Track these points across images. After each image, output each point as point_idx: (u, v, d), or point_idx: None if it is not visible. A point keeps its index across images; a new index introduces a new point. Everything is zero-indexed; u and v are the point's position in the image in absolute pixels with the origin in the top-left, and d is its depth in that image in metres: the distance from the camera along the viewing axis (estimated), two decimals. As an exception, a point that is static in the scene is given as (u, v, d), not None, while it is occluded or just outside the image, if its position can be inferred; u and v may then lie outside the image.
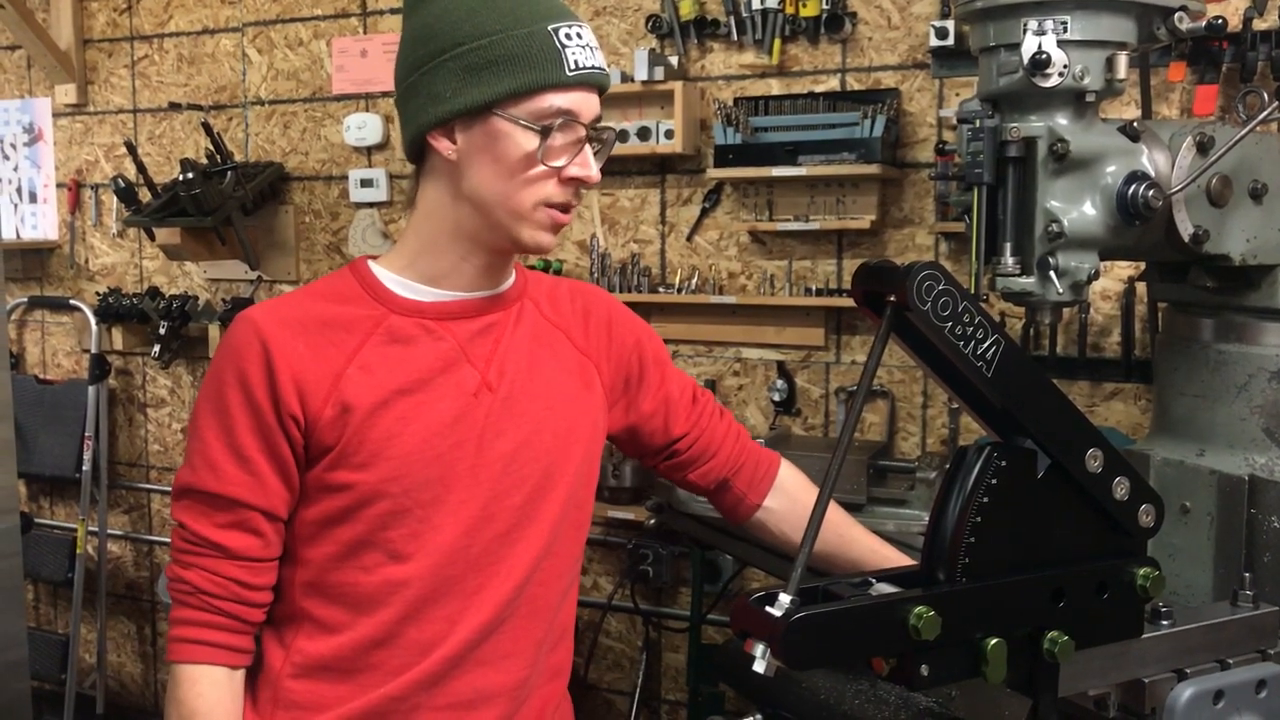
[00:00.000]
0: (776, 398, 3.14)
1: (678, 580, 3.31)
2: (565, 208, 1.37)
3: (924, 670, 1.18)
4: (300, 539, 1.39)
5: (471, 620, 1.39)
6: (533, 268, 3.30)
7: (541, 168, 1.33)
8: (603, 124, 1.42)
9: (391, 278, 1.42)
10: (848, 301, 3.02)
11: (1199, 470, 1.80)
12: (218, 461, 1.34)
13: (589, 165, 1.37)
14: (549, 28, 1.32)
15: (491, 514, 1.40)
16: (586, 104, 1.35)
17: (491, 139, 1.34)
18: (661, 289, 3.27)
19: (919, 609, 1.15)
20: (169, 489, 4.19)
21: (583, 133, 1.35)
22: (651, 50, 3.14)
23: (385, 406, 1.35)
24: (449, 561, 1.38)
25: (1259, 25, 2.51)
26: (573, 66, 1.32)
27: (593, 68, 1.35)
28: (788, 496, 1.68)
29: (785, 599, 1.11)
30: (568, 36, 1.33)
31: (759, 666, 1.11)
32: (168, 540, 4.15)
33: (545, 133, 1.32)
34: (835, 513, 1.64)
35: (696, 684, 3.16)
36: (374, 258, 1.46)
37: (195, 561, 1.35)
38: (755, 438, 2.44)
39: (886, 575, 1.23)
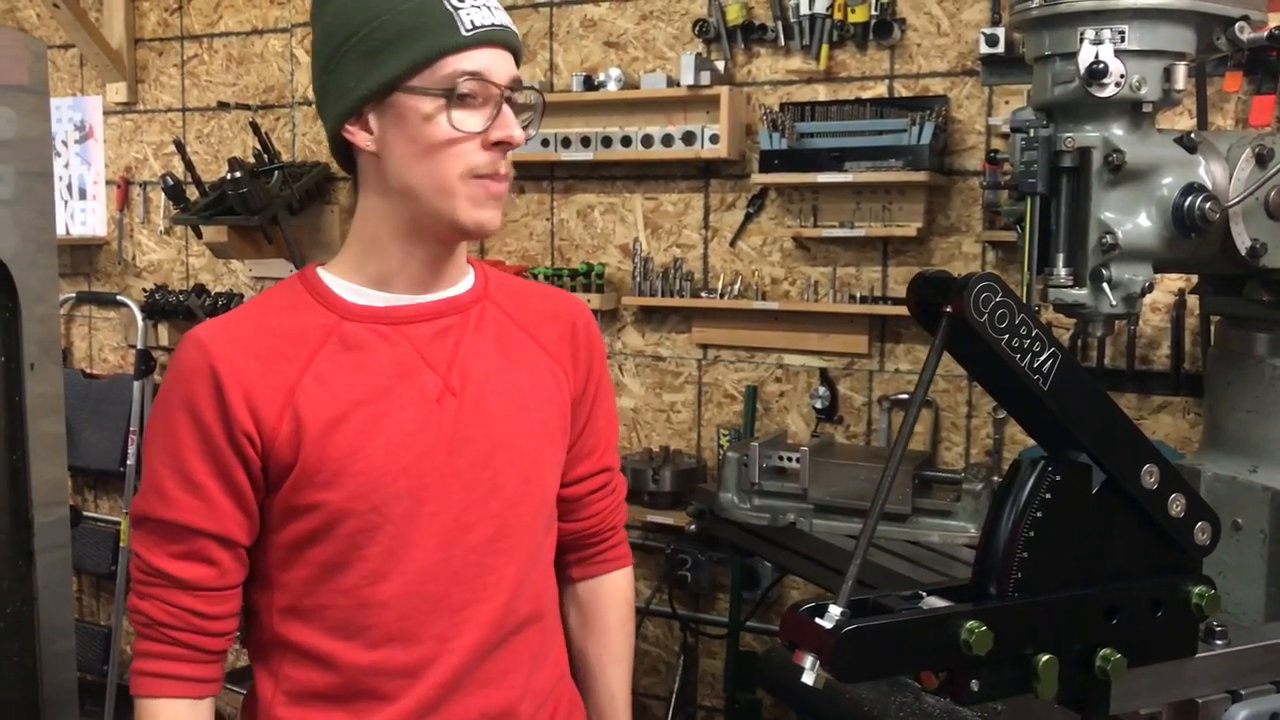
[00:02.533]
0: (818, 405, 3.13)
1: (715, 586, 3.30)
2: (495, 175, 1.30)
3: (974, 685, 1.16)
4: (274, 564, 1.34)
5: (465, 639, 1.34)
6: (575, 272, 3.33)
7: (456, 133, 1.27)
8: (526, 85, 1.35)
9: (340, 283, 1.36)
10: (893, 309, 3.01)
11: (1251, 487, 1.77)
12: (165, 488, 1.28)
13: (509, 125, 1.29)
14: None
15: (468, 524, 1.34)
16: (495, 63, 1.29)
17: (402, 118, 1.29)
18: (704, 294, 3.26)
19: (971, 623, 1.13)
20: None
21: (496, 93, 1.29)
22: (698, 55, 3.13)
23: (344, 420, 1.29)
24: (429, 577, 1.32)
25: (1317, 35, 2.46)
26: (468, 26, 1.27)
27: (491, 25, 1.29)
28: (591, 595, 1.61)
29: (836, 611, 1.10)
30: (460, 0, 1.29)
31: (808, 678, 1.10)
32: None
33: (449, 95, 1.26)
34: (608, 674, 1.60)
35: (733, 691, 3.15)
36: (322, 264, 1.41)
37: (150, 592, 1.30)
38: (797, 445, 2.43)
39: (937, 589, 1.22)
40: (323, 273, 1.39)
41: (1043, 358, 1.16)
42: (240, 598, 1.36)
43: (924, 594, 1.22)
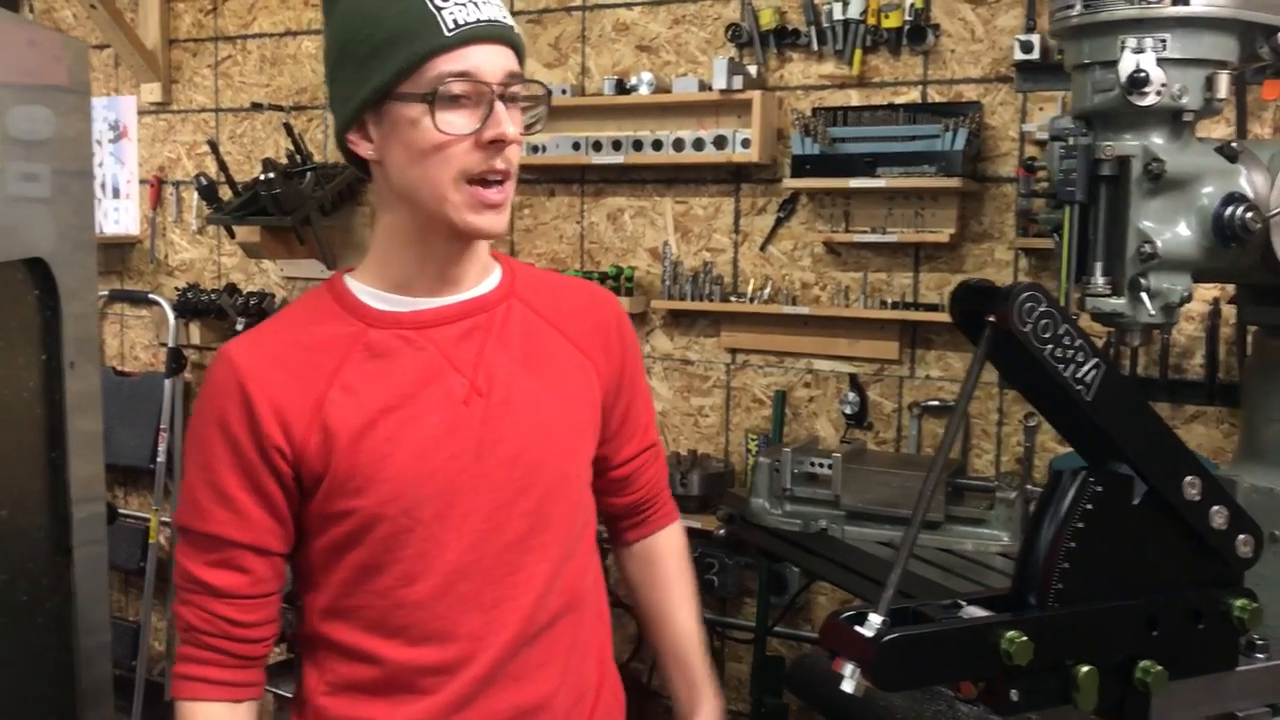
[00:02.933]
0: (848, 410, 3.12)
1: (742, 590, 3.30)
2: (486, 180, 1.29)
3: (1014, 695, 1.17)
4: (316, 567, 1.37)
5: (499, 636, 1.36)
6: (605, 275, 3.33)
7: (445, 136, 1.26)
8: (528, 79, 1.33)
9: (366, 290, 1.38)
10: (924, 315, 3.00)
11: (1290, 498, 1.76)
12: (199, 501, 1.33)
13: (500, 123, 1.27)
14: None
15: (499, 523, 1.36)
16: (486, 60, 1.27)
17: (395, 125, 1.29)
18: (733, 298, 3.26)
19: (1011, 633, 1.14)
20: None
21: (487, 91, 1.27)
22: (730, 59, 3.13)
23: (371, 427, 1.31)
24: (461, 577, 1.34)
25: (1357, 43, 2.44)
26: (451, 26, 1.25)
27: (476, 21, 1.27)
28: (649, 552, 1.65)
29: (876, 619, 1.11)
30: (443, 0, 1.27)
31: (848, 686, 1.11)
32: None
33: (430, 99, 1.25)
34: (676, 605, 1.64)
35: (760, 695, 3.15)
36: (349, 270, 1.42)
37: (189, 599, 1.34)
38: (829, 451, 2.43)
39: (976, 598, 1.22)
40: (349, 280, 1.40)
41: (1086, 368, 1.16)
42: (277, 605, 1.39)
43: (963, 603, 1.22)
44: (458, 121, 1.27)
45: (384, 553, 1.33)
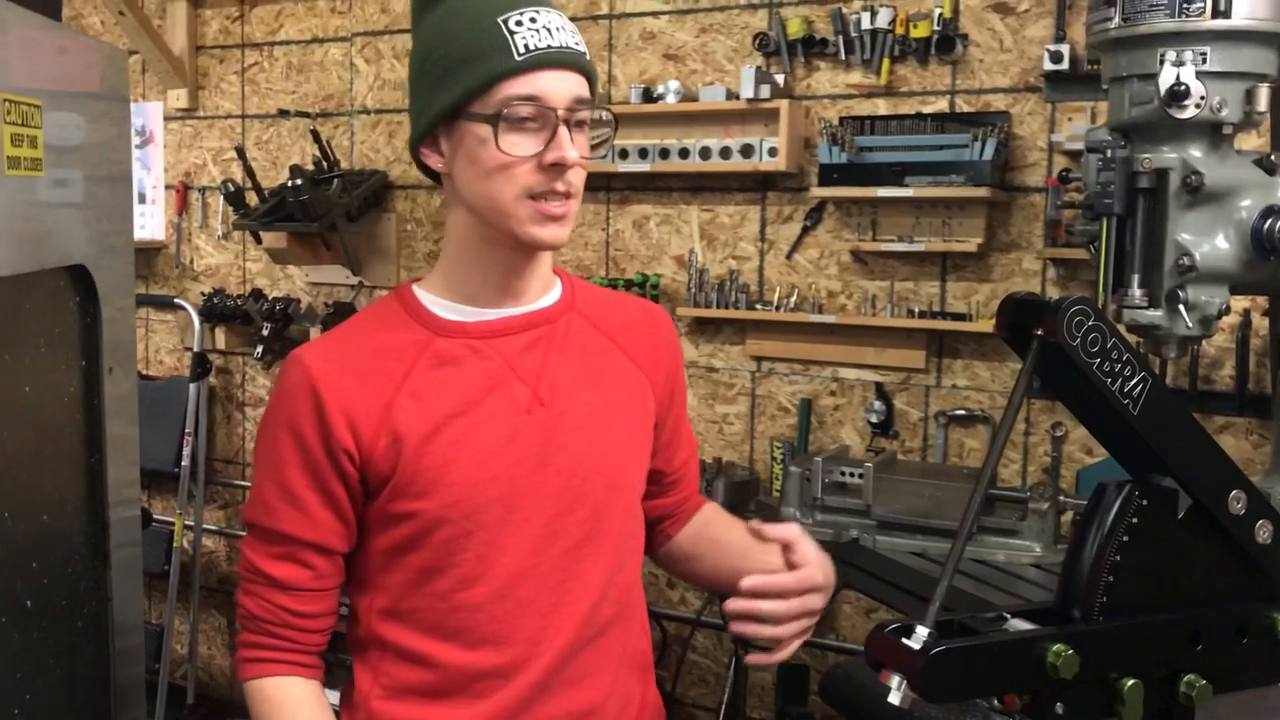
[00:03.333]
0: (874, 419, 3.12)
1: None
2: (548, 196, 1.32)
3: (1059, 708, 1.17)
4: (375, 568, 1.40)
5: (554, 641, 1.38)
6: (630, 283, 3.34)
7: (509, 156, 1.30)
8: (598, 105, 1.37)
9: (434, 300, 1.42)
10: (951, 324, 3.00)
11: (1325, 511, 1.75)
12: (267, 498, 1.38)
13: (562, 147, 1.30)
14: (499, 19, 1.31)
15: (556, 530, 1.39)
16: (553, 85, 1.31)
17: (464, 142, 1.33)
18: (759, 306, 3.26)
19: (1057, 646, 1.14)
20: (264, 487, 4.28)
21: (551, 116, 1.31)
22: (758, 68, 3.14)
23: (437, 432, 1.35)
24: (519, 582, 1.37)
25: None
26: (521, 50, 1.29)
27: (547, 47, 1.31)
28: (695, 526, 1.64)
29: (923, 632, 1.11)
30: (518, 23, 1.30)
31: (894, 698, 1.11)
32: (260, 537, 4.25)
33: (495, 120, 1.30)
34: (732, 537, 1.59)
35: (784, 703, 3.15)
36: (418, 280, 1.47)
37: (252, 589, 1.40)
38: (859, 461, 2.43)
39: (1021, 611, 1.23)
40: (417, 290, 1.45)
41: (1133, 382, 1.17)
42: (336, 598, 1.42)
43: (1008, 616, 1.23)
44: (522, 143, 1.31)
45: (445, 556, 1.35)
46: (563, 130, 1.31)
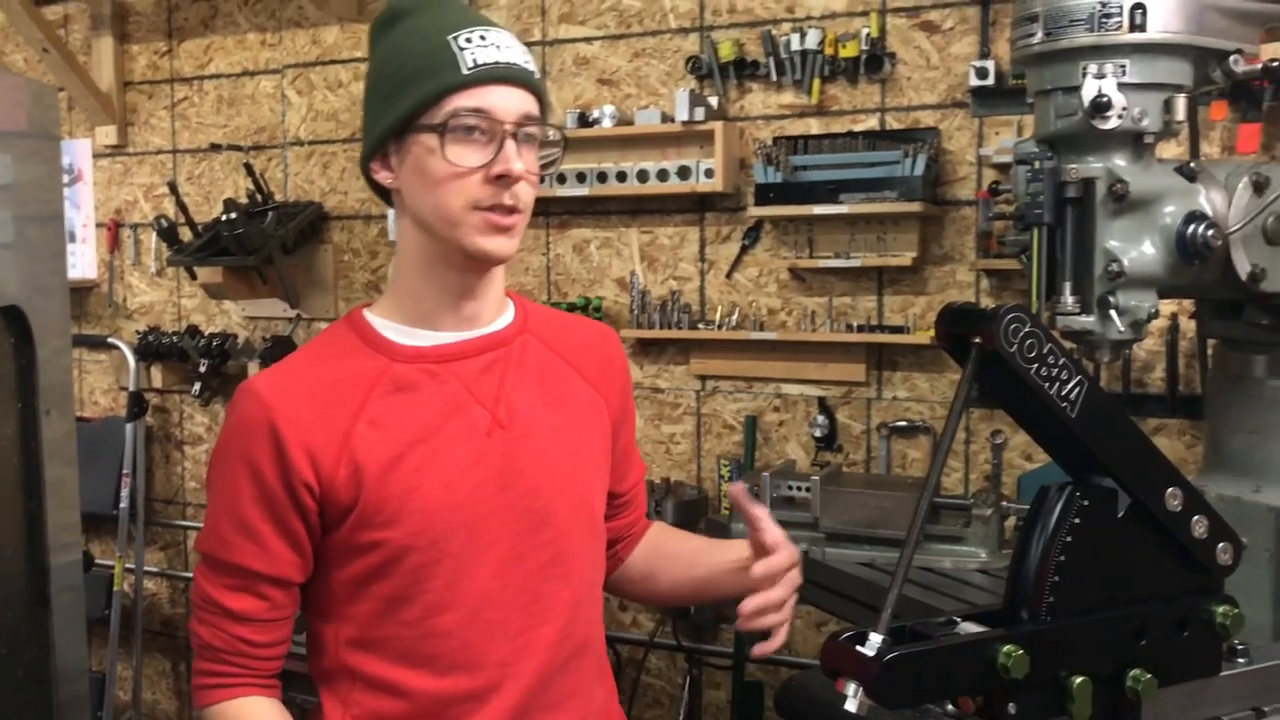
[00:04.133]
0: (818, 434, 3.16)
1: (719, 617, 3.31)
2: (495, 209, 1.33)
3: (1011, 709, 1.19)
4: (339, 599, 1.39)
5: (528, 663, 1.38)
6: (573, 306, 3.35)
7: (456, 167, 1.32)
8: (548, 124, 1.40)
9: (387, 325, 1.42)
10: (889, 338, 3.04)
11: (1256, 507, 1.80)
12: (222, 531, 1.36)
13: (509, 160, 1.32)
14: (448, 37, 1.34)
15: (522, 553, 1.39)
16: (502, 100, 1.33)
17: (413, 155, 1.35)
18: (701, 325, 3.29)
19: (1008, 648, 1.16)
20: (206, 526, 4.22)
21: (498, 129, 1.32)
22: (692, 91, 3.18)
23: (399, 460, 1.34)
24: (487, 606, 1.37)
25: (1299, 64, 2.53)
26: (469, 65, 1.32)
27: (495, 63, 1.33)
28: (646, 545, 1.66)
29: (876, 638, 1.12)
30: (468, 40, 1.33)
31: (851, 705, 1.12)
32: (203, 577, 4.18)
33: (441, 131, 1.32)
34: (684, 548, 1.63)
35: (740, 721, 3.16)
36: (368, 305, 1.46)
37: (206, 619, 1.38)
38: (806, 475, 2.46)
39: (971, 615, 1.25)
40: (369, 315, 1.44)
41: (1070, 385, 1.20)
42: (291, 625, 1.41)
43: (959, 620, 1.24)
44: (469, 155, 1.32)
45: (414, 584, 1.35)
46: (510, 144, 1.32)
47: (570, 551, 1.43)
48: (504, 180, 1.32)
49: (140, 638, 4.20)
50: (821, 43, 3.08)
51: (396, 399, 1.37)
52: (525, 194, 1.36)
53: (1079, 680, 1.20)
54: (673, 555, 1.63)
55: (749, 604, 1.40)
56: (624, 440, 1.58)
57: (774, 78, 3.16)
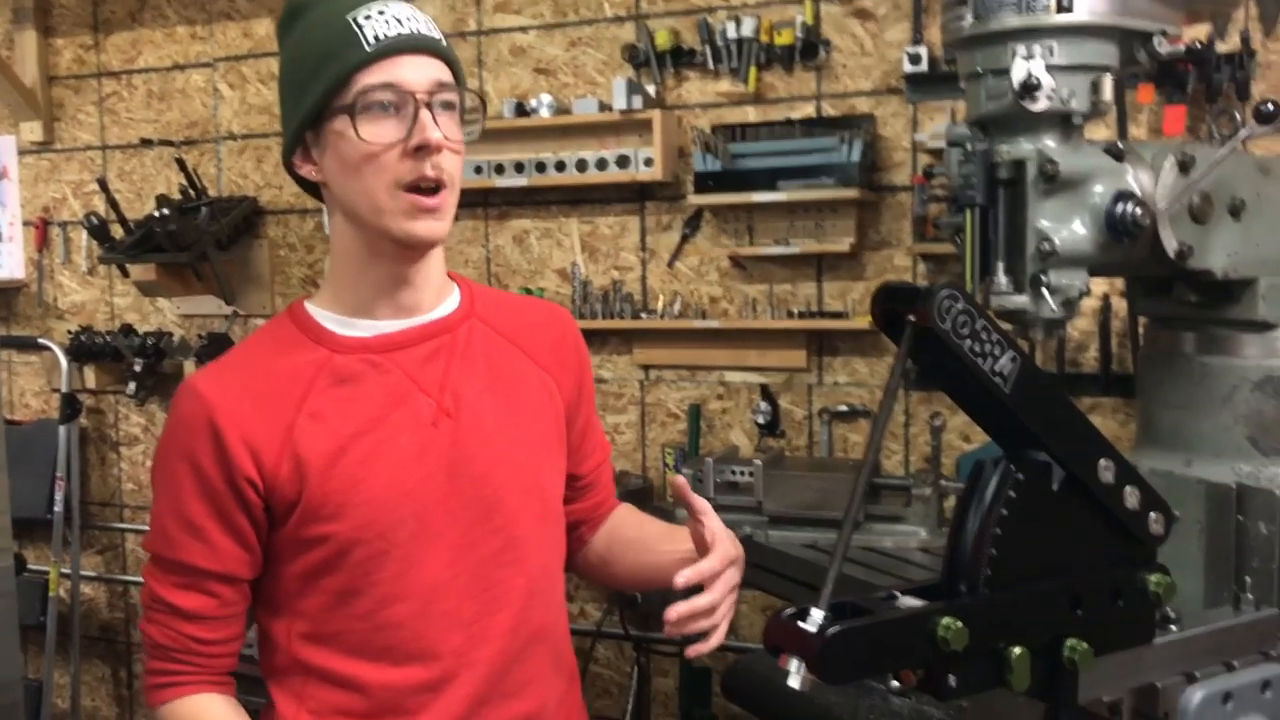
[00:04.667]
0: (760, 420, 3.18)
1: (666, 605, 3.30)
2: (420, 186, 1.32)
3: (952, 681, 1.20)
4: (290, 593, 1.37)
5: (483, 651, 1.38)
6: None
7: (373, 145, 1.30)
8: (462, 88, 1.37)
9: (328, 316, 1.40)
10: (829, 323, 3.07)
11: (1187, 480, 1.84)
12: (168, 530, 1.35)
13: (426, 129, 1.30)
14: (348, 18, 1.32)
15: (473, 540, 1.38)
16: (410, 70, 1.31)
17: (330, 143, 1.33)
18: (644, 314, 3.29)
19: (947, 620, 1.17)
20: (144, 528, 4.14)
21: (410, 100, 1.30)
22: (629, 80, 3.18)
23: (343, 453, 1.33)
24: (439, 595, 1.36)
25: (1221, 48, 2.59)
26: (371, 40, 1.30)
27: (397, 35, 1.31)
28: (607, 529, 1.65)
29: (818, 614, 1.13)
30: (366, 17, 1.31)
31: (794, 681, 1.13)
32: (142, 581, 4.11)
33: (352, 111, 1.30)
34: (644, 535, 1.62)
35: (689, 708, 3.17)
36: (309, 297, 1.44)
37: (155, 618, 1.37)
38: (746, 459, 2.47)
39: (910, 589, 1.26)
40: (310, 307, 1.42)
41: (1003, 361, 1.21)
42: (244, 621, 1.39)
43: (898, 594, 1.26)
44: (384, 131, 1.30)
45: (362, 576, 1.33)
46: (425, 113, 1.30)
47: (521, 538, 1.41)
48: (424, 151, 1.30)
49: (78, 644, 4.12)
50: (757, 30, 3.10)
51: (338, 391, 1.35)
52: (449, 163, 1.33)
53: (1017, 651, 1.22)
54: (631, 540, 1.61)
55: (673, 611, 1.35)
56: (582, 421, 1.56)
57: (711, 66, 3.17)
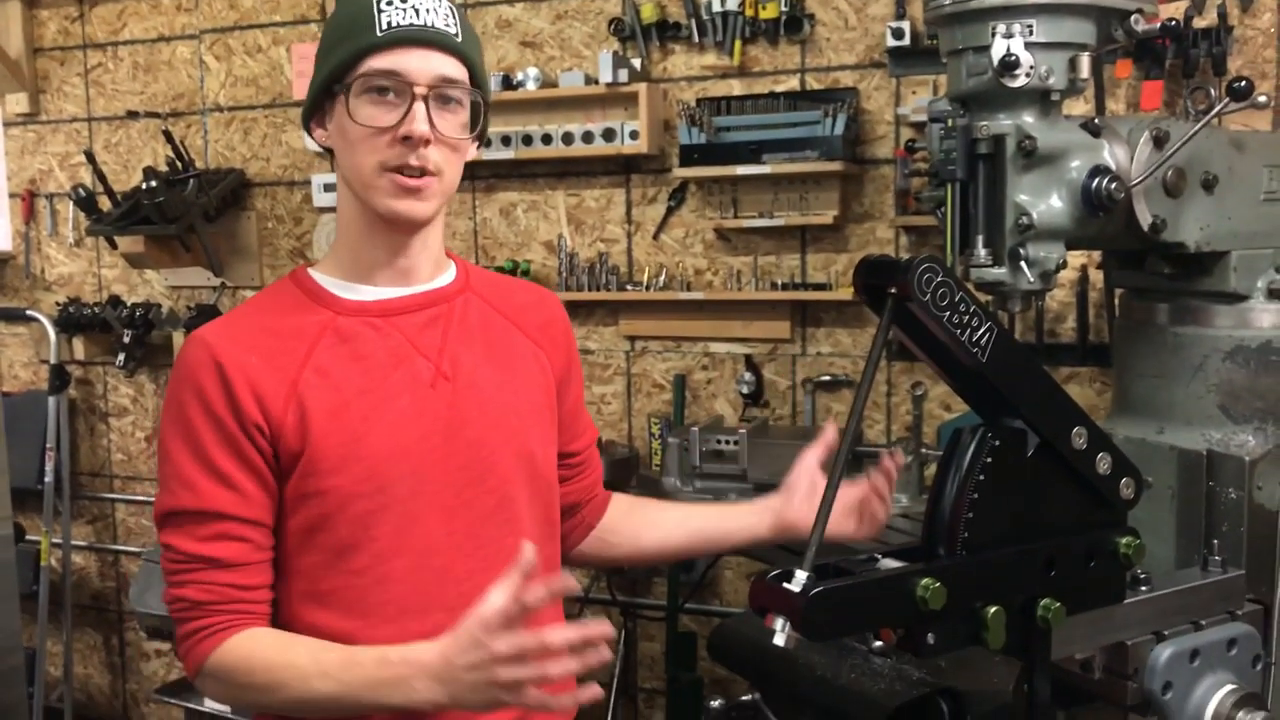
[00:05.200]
0: (745, 390, 3.22)
1: (653, 571, 3.37)
2: (402, 169, 1.36)
3: (930, 639, 1.25)
4: (289, 551, 1.40)
5: (474, 608, 1.40)
6: (501, 269, 3.37)
7: (365, 128, 1.35)
8: (466, 86, 1.41)
9: (331, 281, 1.45)
10: (813, 295, 3.11)
11: (1159, 447, 1.89)
12: (193, 480, 1.35)
13: (414, 121, 1.35)
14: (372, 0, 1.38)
15: (467, 500, 1.42)
16: (415, 62, 1.36)
17: (336, 116, 1.40)
18: (629, 286, 3.33)
19: (926, 580, 1.22)
20: (134, 498, 4.18)
21: (408, 91, 1.35)
22: (614, 53, 3.20)
23: (345, 408, 1.37)
24: (434, 552, 1.40)
25: (1199, 23, 2.63)
26: (384, 27, 1.35)
27: (410, 25, 1.36)
28: (620, 509, 1.73)
29: (802, 575, 1.18)
30: (388, 3, 1.37)
31: (779, 639, 1.18)
32: (134, 550, 4.16)
33: (347, 91, 1.36)
34: (668, 508, 1.75)
35: (675, 671, 3.23)
36: (312, 264, 1.50)
37: (189, 579, 1.36)
38: (734, 429, 2.52)
39: (890, 551, 1.31)
40: (313, 272, 1.47)
41: (980, 332, 1.26)
42: (271, 570, 1.40)
43: (879, 557, 1.31)
44: (379, 116, 1.36)
45: (360, 530, 1.37)
46: (418, 106, 1.35)
47: (514, 499, 1.46)
48: (410, 142, 1.35)
49: (70, 612, 4.15)
50: (742, 4, 3.12)
51: (342, 350, 1.40)
52: (436, 156, 1.38)
53: (993, 610, 1.27)
54: (656, 513, 1.71)
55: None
56: (571, 401, 1.62)
57: (696, 39, 3.19)
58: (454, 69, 1.39)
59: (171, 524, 1.37)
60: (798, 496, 1.64)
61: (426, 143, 1.36)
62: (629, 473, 3.21)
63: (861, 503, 1.61)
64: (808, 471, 1.65)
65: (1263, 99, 1.79)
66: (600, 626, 1.27)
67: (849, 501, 1.61)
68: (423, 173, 1.37)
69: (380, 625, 1.39)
